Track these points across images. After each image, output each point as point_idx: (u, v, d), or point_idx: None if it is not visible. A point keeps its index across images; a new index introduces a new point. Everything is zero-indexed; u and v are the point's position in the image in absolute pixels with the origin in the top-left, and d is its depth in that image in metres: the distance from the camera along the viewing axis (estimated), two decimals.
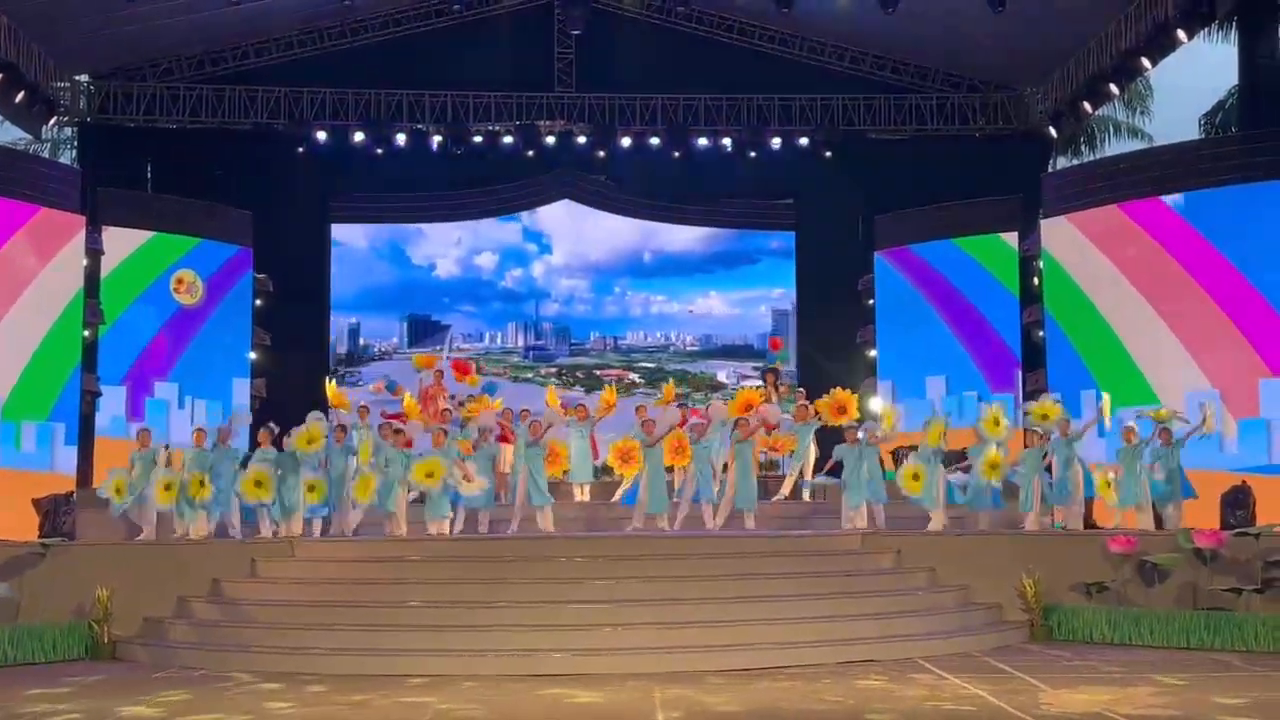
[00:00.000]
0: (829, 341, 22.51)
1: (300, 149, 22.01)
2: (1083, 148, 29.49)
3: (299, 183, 22.24)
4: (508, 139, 22.34)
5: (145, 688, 9.66)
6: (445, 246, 24.54)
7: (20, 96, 19.06)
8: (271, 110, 22.03)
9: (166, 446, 14.04)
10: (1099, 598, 12.01)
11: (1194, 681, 9.47)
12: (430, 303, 24.53)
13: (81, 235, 18.23)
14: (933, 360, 20.84)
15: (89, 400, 18.61)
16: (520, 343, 24.66)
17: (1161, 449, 13.63)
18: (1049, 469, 13.96)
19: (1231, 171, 16.75)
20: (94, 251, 19.02)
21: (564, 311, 24.69)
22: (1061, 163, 26.81)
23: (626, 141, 22.39)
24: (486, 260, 24.58)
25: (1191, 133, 26.58)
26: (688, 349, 24.79)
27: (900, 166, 22.12)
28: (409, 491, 13.56)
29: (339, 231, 23.95)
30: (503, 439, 15.26)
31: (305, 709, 8.78)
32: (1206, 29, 20.46)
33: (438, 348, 23.73)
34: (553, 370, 24.22)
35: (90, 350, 18.78)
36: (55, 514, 13.24)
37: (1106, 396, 14.72)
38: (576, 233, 24.52)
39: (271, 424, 14.17)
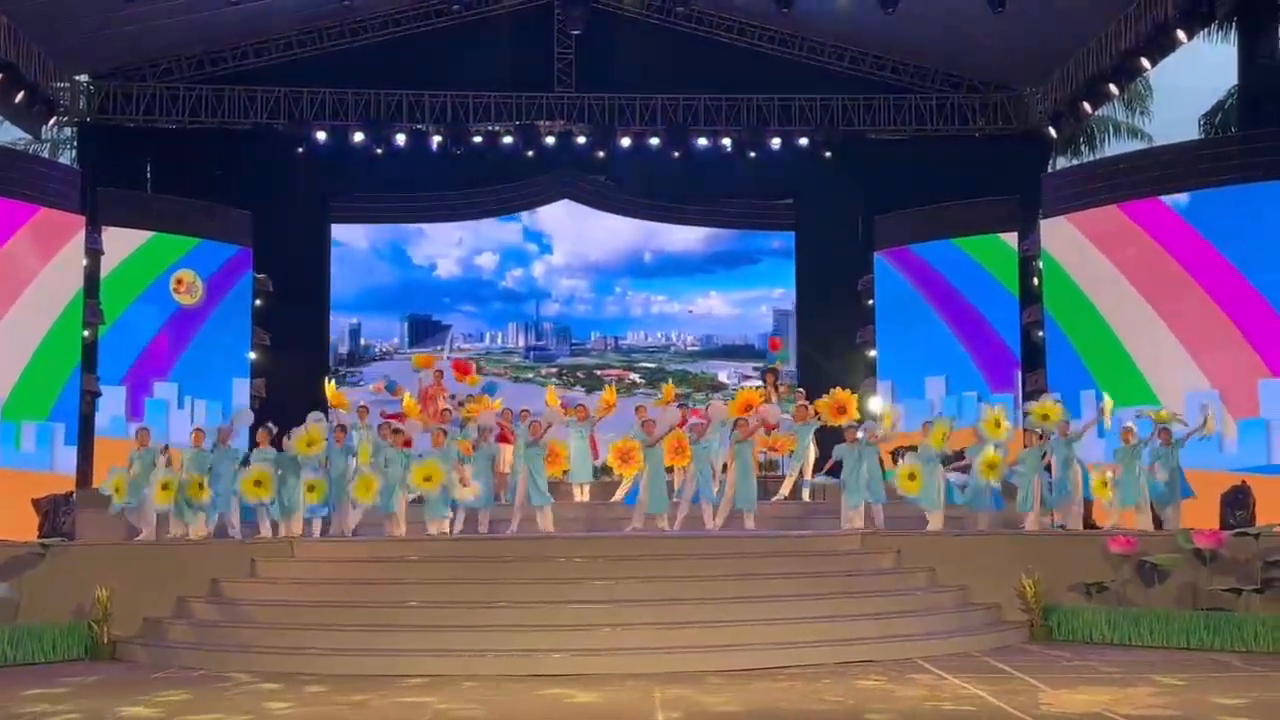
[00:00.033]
0: (829, 341, 22.52)
1: (300, 149, 22.02)
2: (1082, 148, 29.50)
3: (299, 183, 22.25)
4: (508, 139, 22.34)
5: (144, 688, 9.66)
6: (446, 246, 24.54)
7: (20, 96, 19.06)
8: (271, 110, 22.03)
9: (166, 447, 14.03)
10: (1099, 598, 12.01)
11: (1193, 682, 9.47)
12: (431, 303, 24.53)
13: (81, 235, 18.24)
14: (932, 360, 20.84)
15: (89, 400, 18.62)
16: (521, 343, 24.65)
17: (1161, 449, 13.62)
18: (1048, 469, 13.95)
19: (1231, 172, 16.75)
20: (94, 251, 19.03)
21: (564, 311, 24.70)
22: (1061, 163, 26.82)
23: (626, 142, 22.39)
24: (487, 260, 24.59)
25: (1191, 133, 26.60)
26: (688, 349, 24.79)
27: (900, 166, 22.12)
28: (408, 492, 13.55)
29: (340, 232, 23.95)
30: (502, 439, 15.27)
31: (304, 709, 8.78)
32: (1206, 29, 20.46)
33: (438, 348, 23.74)
34: (553, 370, 24.22)
35: (90, 350, 18.79)
36: (55, 514, 13.23)
37: (1108, 398, 14.68)
38: (577, 233, 24.51)
39: (270, 424, 14.18)
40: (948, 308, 21.04)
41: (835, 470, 14.31)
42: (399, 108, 22.26)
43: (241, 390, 20.70)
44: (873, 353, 21.78)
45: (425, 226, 24.33)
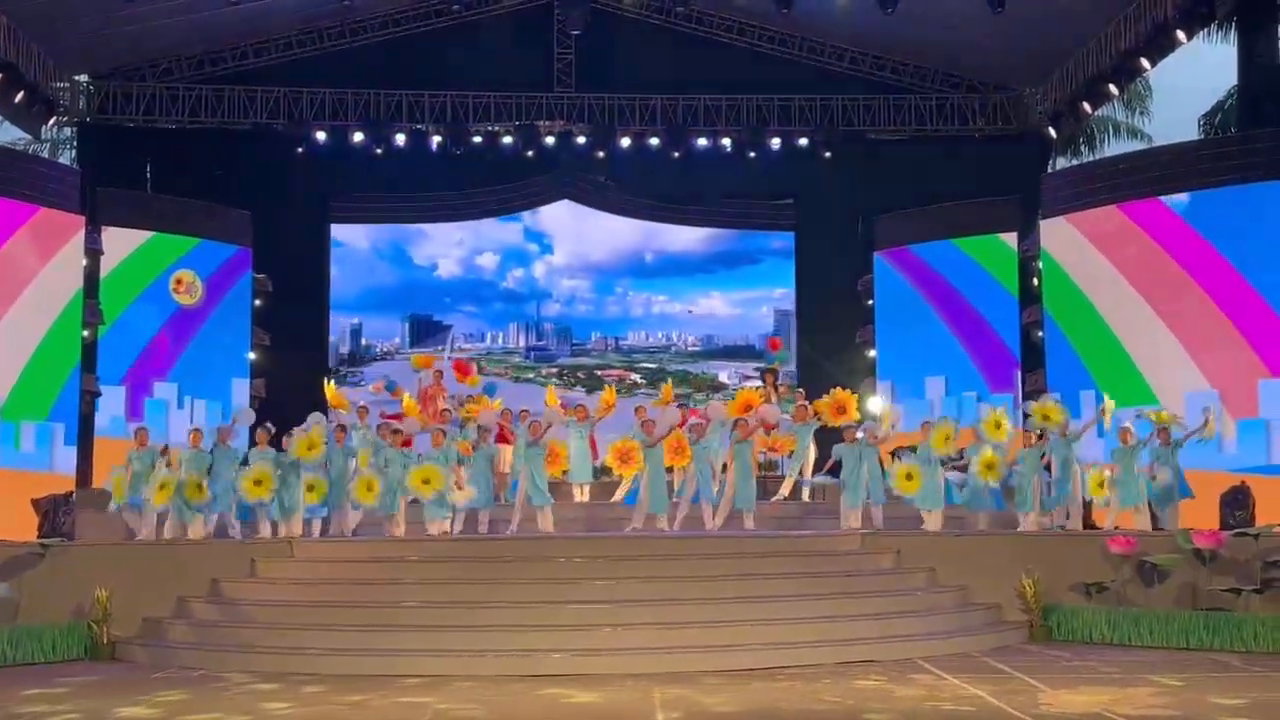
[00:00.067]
0: (828, 341, 22.51)
1: (300, 149, 22.01)
2: (1082, 148, 29.50)
3: (298, 183, 22.24)
4: (507, 139, 22.33)
5: (144, 688, 9.66)
6: (447, 247, 24.54)
7: (20, 96, 19.06)
8: (271, 110, 22.03)
9: (166, 447, 14.03)
10: (1098, 598, 12.01)
11: (1193, 682, 9.47)
12: (432, 303, 24.52)
13: (81, 235, 18.24)
14: (932, 360, 20.86)
15: (88, 400, 18.62)
16: (522, 343, 24.65)
17: (1160, 449, 13.62)
18: (1047, 469, 13.95)
19: (1231, 172, 16.76)
20: (93, 251, 19.04)
21: (565, 312, 24.69)
22: (1061, 163, 26.81)
23: (626, 142, 22.38)
24: (488, 260, 24.58)
25: (1191, 133, 26.60)
26: (689, 349, 24.79)
27: (900, 167, 22.14)
28: (405, 494, 13.55)
29: (341, 232, 23.95)
30: (502, 439, 15.27)
31: (304, 709, 8.78)
32: (1206, 29, 20.47)
33: (439, 348, 23.74)
34: (554, 370, 24.22)
35: (90, 350, 18.79)
36: (54, 514, 13.22)
37: (1109, 400, 14.66)
38: (578, 233, 24.51)
39: (268, 424, 14.18)
40: (947, 308, 21.05)
41: (835, 470, 14.32)
42: (399, 108, 22.26)
43: (241, 390, 20.71)
44: (872, 353, 21.79)
45: (426, 227, 24.33)
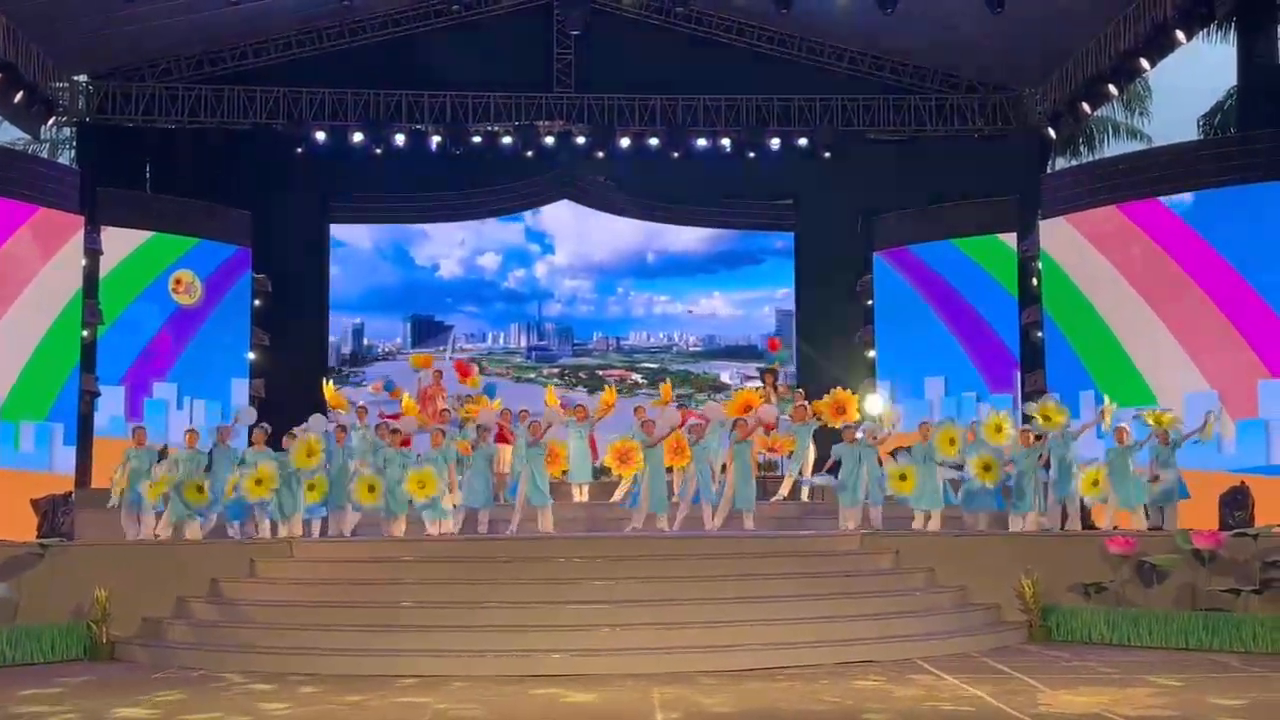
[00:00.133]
0: (828, 342, 22.51)
1: (299, 149, 21.98)
2: (1081, 148, 29.51)
3: (298, 183, 22.22)
4: (507, 139, 22.31)
5: (143, 688, 9.66)
6: (448, 247, 24.53)
7: (19, 96, 19.05)
8: (270, 110, 22.01)
9: (165, 446, 14.04)
10: (1097, 598, 12.01)
11: (1192, 682, 9.48)
12: (433, 303, 24.52)
13: (80, 235, 18.26)
14: (932, 361, 20.86)
15: (88, 400, 18.63)
16: (523, 343, 24.65)
17: (1160, 448, 13.60)
18: (1046, 468, 13.93)
19: (1230, 172, 16.76)
20: (93, 251, 19.05)
21: (567, 312, 24.69)
22: (1060, 163, 26.82)
23: (625, 142, 22.37)
24: (489, 261, 24.58)
25: (1190, 134, 26.62)
26: (691, 349, 24.78)
27: (899, 167, 22.12)
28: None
29: (343, 232, 23.94)
30: (501, 439, 15.27)
31: (303, 709, 8.78)
32: (1205, 30, 20.47)
33: (440, 348, 23.75)
34: (555, 371, 24.22)
35: (89, 350, 18.80)
36: (54, 514, 13.23)
37: (1109, 401, 14.62)
38: (579, 233, 24.50)
39: (264, 424, 14.19)
40: (947, 308, 21.05)
41: (835, 470, 14.32)
42: (398, 108, 22.24)
43: (240, 390, 20.72)
44: (872, 353, 21.79)
45: (428, 227, 24.31)
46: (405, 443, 14.10)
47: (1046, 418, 13.82)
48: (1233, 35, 20.04)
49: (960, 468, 13.90)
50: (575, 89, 22.56)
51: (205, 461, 13.72)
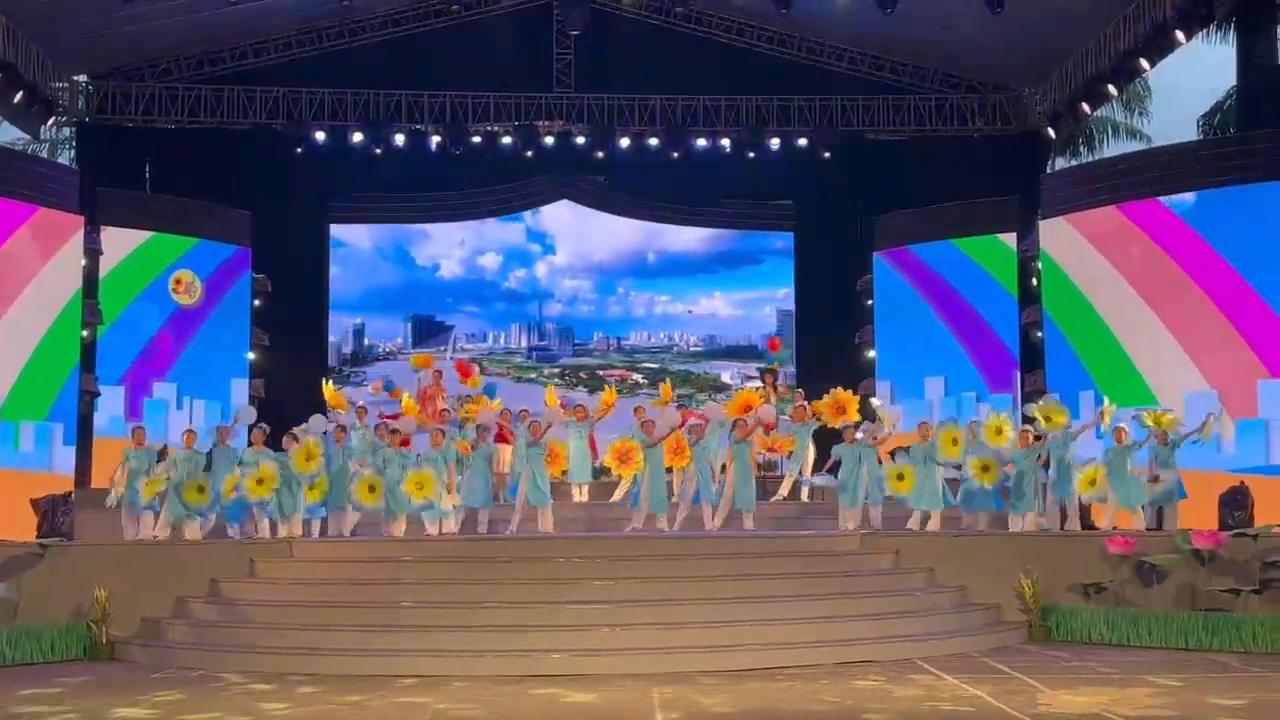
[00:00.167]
0: (828, 342, 22.50)
1: (299, 149, 22.01)
2: (1081, 149, 29.51)
3: (297, 183, 22.24)
4: (506, 139, 22.33)
5: (142, 688, 9.66)
6: (449, 247, 24.54)
7: (19, 96, 19.05)
8: (270, 110, 22.02)
9: (165, 446, 14.03)
10: (1097, 598, 12.01)
11: (1192, 682, 9.48)
12: (434, 303, 24.53)
13: (80, 235, 18.24)
14: (931, 361, 20.85)
15: (87, 400, 18.62)
16: (524, 343, 24.66)
17: (1159, 448, 13.60)
18: (1045, 468, 13.93)
19: (1230, 172, 16.75)
20: (92, 251, 19.04)
21: (567, 312, 24.69)
22: (1060, 164, 26.82)
23: (625, 142, 22.38)
24: (490, 261, 24.59)
25: (1190, 134, 26.63)
26: (691, 349, 24.79)
27: (899, 167, 22.11)
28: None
29: (344, 232, 23.95)
30: (501, 439, 15.27)
31: (302, 709, 8.77)
32: (1205, 30, 20.48)
33: (441, 348, 23.75)
34: (556, 371, 24.22)
35: (89, 350, 18.79)
36: (53, 514, 13.23)
37: (1111, 404, 14.61)
38: (580, 233, 24.51)
39: (263, 424, 14.18)
40: (947, 308, 21.04)
41: (836, 470, 14.32)
42: (398, 108, 22.26)
43: (240, 390, 20.71)
44: (872, 353, 21.78)
45: (428, 227, 24.33)
46: (405, 443, 14.10)
47: (1048, 418, 13.81)
48: (1232, 35, 20.03)
49: (959, 468, 13.90)
50: (575, 89, 22.57)
51: (204, 462, 13.72)
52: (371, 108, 22.17)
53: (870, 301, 21.93)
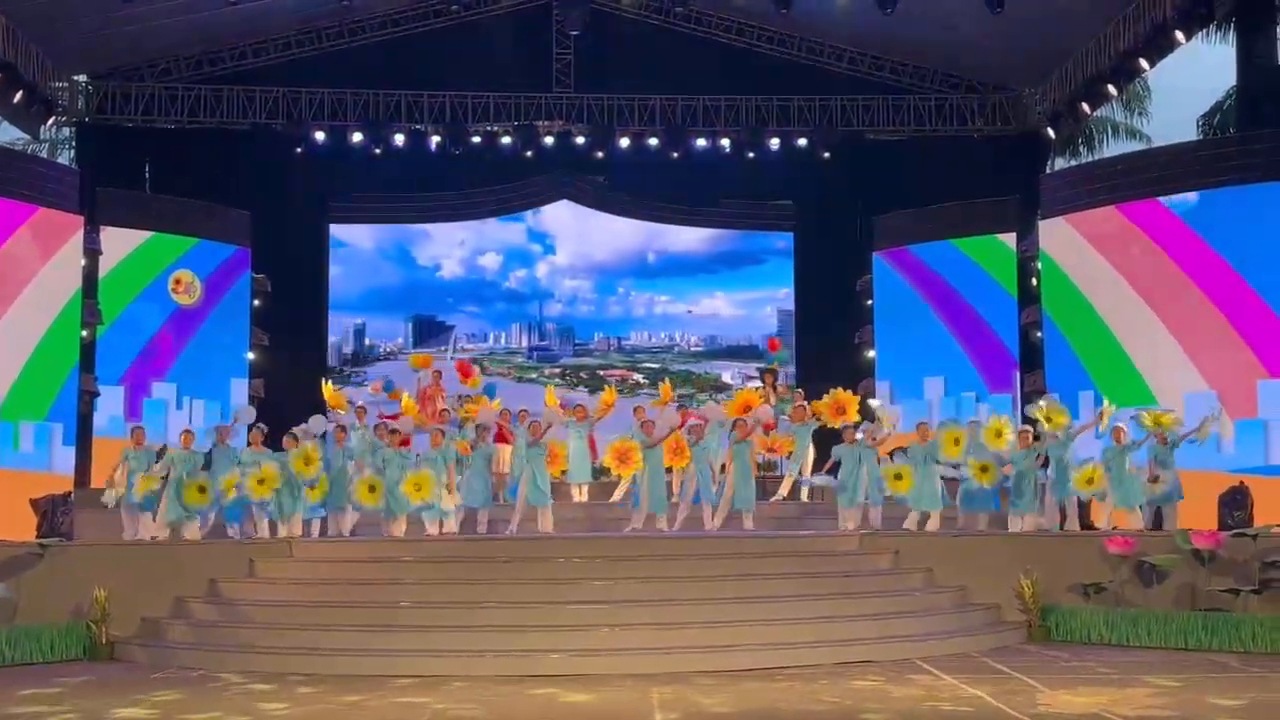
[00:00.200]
0: (827, 342, 22.50)
1: (298, 149, 22.01)
2: (1081, 149, 29.50)
3: (297, 183, 22.24)
4: (506, 139, 22.33)
5: (142, 688, 9.66)
6: (450, 247, 24.54)
7: (18, 96, 19.04)
8: (270, 110, 22.02)
9: (164, 447, 14.02)
10: (1097, 598, 12.01)
11: (1191, 682, 9.48)
12: (435, 303, 24.52)
13: (80, 235, 18.23)
14: (931, 361, 20.85)
15: (87, 400, 18.61)
16: (524, 343, 24.66)
17: (1158, 448, 13.60)
18: (1044, 468, 13.93)
19: (1229, 173, 16.74)
20: (92, 251, 19.03)
21: (568, 312, 24.69)
22: (1060, 164, 26.81)
23: (625, 142, 22.39)
24: (491, 261, 24.59)
25: (1190, 134, 26.61)
26: (692, 349, 24.79)
27: (898, 167, 22.11)
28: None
29: (345, 232, 23.95)
30: (500, 439, 15.27)
31: (301, 709, 8.78)
32: (1205, 30, 20.46)
33: (442, 348, 23.76)
34: (556, 371, 24.22)
35: (88, 350, 18.79)
36: (53, 514, 13.22)
37: (1110, 406, 14.60)
38: (580, 233, 24.51)
39: (261, 424, 14.18)
40: (946, 308, 21.04)
41: (835, 470, 14.32)
42: (397, 108, 22.26)
43: (240, 390, 20.71)
44: (871, 353, 21.78)
45: (429, 227, 24.32)
46: (404, 443, 14.10)
47: (1049, 419, 13.81)
48: (1232, 36, 20.04)
49: (957, 468, 13.89)
50: (575, 89, 22.57)
51: (202, 461, 13.71)
52: (371, 108, 22.18)
53: (870, 301, 21.93)
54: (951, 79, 22.73)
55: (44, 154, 27.00)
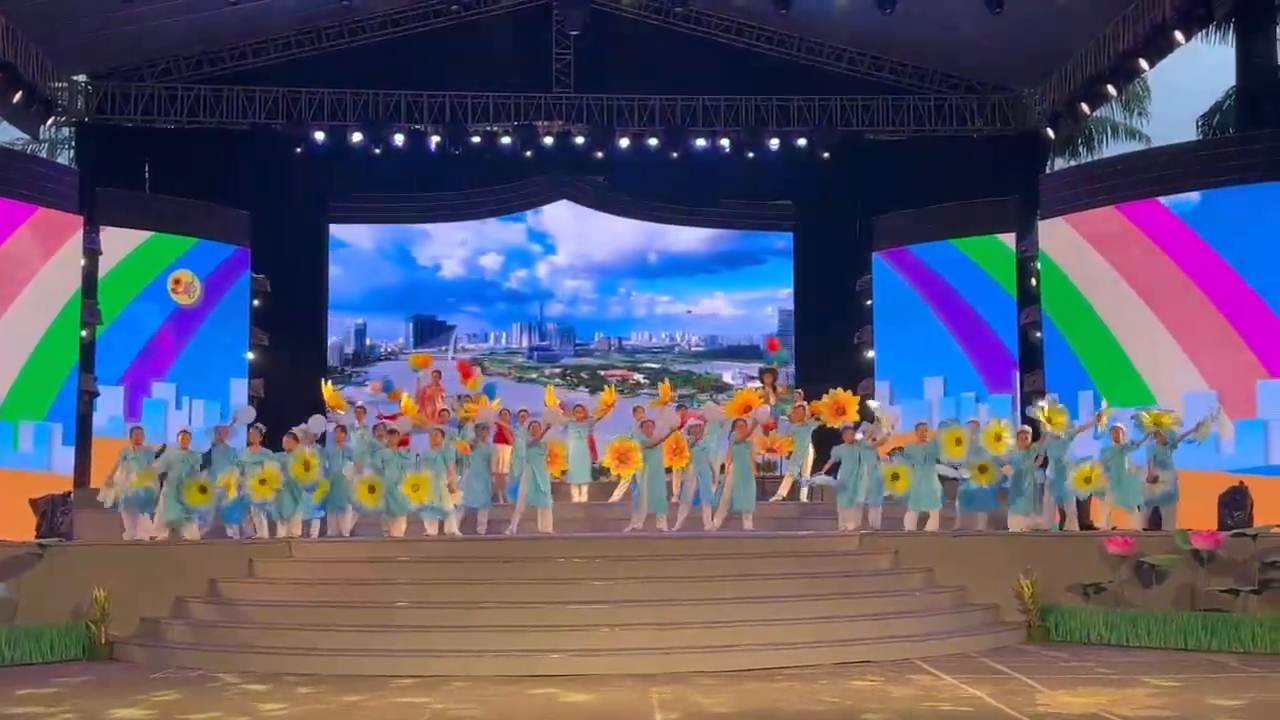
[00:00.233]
0: (827, 342, 22.50)
1: (298, 149, 22.01)
2: (1080, 149, 29.49)
3: (297, 183, 22.23)
4: (506, 139, 22.33)
5: (141, 688, 9.66)
6: (450, 247, 24.54)
7: (18, 96, 19.04)
8: (269, 110, 22.02)
9: (163, 447, 14.02)
10: (1096, 599, 12.01)
11: (1191, 682, 9.48)
12: (435, 303, 24.52)
13: (79, 235, 18.23)
14: (930, 361, 20.85)
15: (86, 400, 18.61)
16: (525, 343, 24.66)
17: (1158, 448, 13.60)
18: (1043, 468, 13.93)
19: (1229, 173, 16.74)
20: (92, 251, 19.03)
21: (568, 312, 24.69)
22: (1059, 164, 26.79)
23: (625, 142, 22.38)
24: (491, 261, 24.59)
25: (1189, 134, 26.61)
26: (693, 349, 24.79)
27: (898, 167, 22.11)
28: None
29: (345, 232, 23.94)
30: (500, 439, 15.27)
31: (300, 709, 8.77)
32: (1204, 30, 20.46)
33: (442, 348, 23.76)
34: (557, 371, 24.22)
35: (88, 350, 18.79)
36: (52, 514, 13.23)
37: (1109, 406, 14.59)
38: (580, 234, 24.51)
39: (260, 424, 14.17)
40: (946, 308, 21.04)
41: (835, 471, 14.32)
42: (397, 108, 22.25)
43: (239, 390, 20.71)
44: (871, 353, 21.77)
45: (430, 227, 24.31)
46: (403, 443, 14.09)
47: (1050, 420, 13.81)
48: (1232, 36, 20.03)
49: (956, 468, 13.89)
50: (574, 89, 22.57)
51: (200, 462, 13.71)
52: (371, 108, 22.17)
53: (869, 302, 21.92)
54: (951, 79, 22.72)
55: (44, 154, 27.00)
